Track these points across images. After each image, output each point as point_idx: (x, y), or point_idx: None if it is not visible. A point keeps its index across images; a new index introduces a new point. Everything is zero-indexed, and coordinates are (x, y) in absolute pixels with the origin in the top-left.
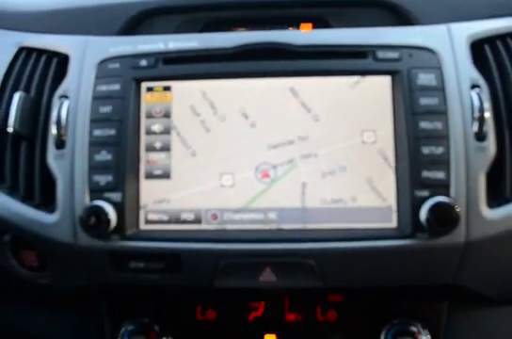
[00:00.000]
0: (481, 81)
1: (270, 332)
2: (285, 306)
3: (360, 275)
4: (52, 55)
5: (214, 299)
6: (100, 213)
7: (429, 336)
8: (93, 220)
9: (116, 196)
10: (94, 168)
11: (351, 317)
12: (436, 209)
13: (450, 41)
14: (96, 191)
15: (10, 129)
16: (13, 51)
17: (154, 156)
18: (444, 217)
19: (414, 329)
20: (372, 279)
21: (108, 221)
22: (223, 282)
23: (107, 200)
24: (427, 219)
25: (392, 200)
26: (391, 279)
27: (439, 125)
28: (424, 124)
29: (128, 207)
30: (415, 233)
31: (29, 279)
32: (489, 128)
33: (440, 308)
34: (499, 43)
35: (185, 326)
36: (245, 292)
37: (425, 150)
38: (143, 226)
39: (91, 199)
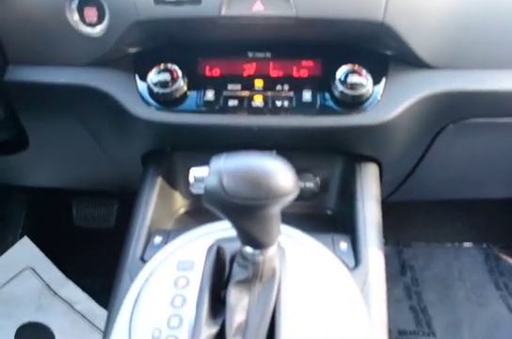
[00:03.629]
0: None
1: (259, 79)
2: (270, 66)
3: (318, 5)
4: None
5: (218, 58)
6: None
7: (371, 80)
8: None
9: None
10: None
11: (318, 75)
12: None
13: None
14: None
15: None
16: None
17: None
18: None
19: (361, 69)
20: (326, 7)
21: None
22: (228, 11)
23: None
24: None
25: None
26: (336, 10)
27: None
28: None
29: None
30: None
31: (87, 33)
32: None
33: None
34: None
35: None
36: (242, 52)
37: None
38: None
39: None
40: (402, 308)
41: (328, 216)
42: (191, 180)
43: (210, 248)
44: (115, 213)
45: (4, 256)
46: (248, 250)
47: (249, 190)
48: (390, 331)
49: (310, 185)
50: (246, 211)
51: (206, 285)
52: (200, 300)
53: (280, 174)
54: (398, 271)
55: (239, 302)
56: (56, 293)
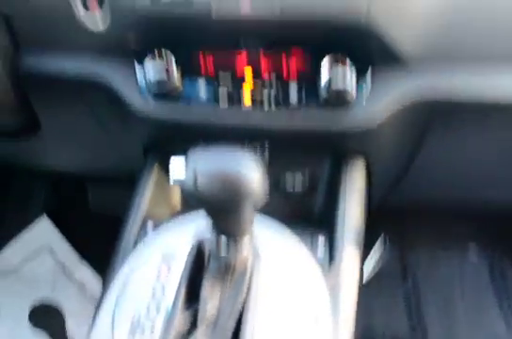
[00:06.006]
0: None
1: (248, 65)
2: (260, 57)
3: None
4: None
5: (210, 49)
6: None
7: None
8: None
9: None
10: None
11: (306, 75)
12: None
13: None
14: None
15: None
16: None
17: None
18: None
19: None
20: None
21: None
22: (218, 14)
23: None
24: None
25: None
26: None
27: None
28: None
29: None
30: None
31: (94, 22)
32: None
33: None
34: None
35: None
36: (232, 43)
37: None
38: None
39: None
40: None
41: (314, 213)
42: (171, 182)
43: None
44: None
45: (23, 233)
46: (222, 239)
47: (222, 192)
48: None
49: (297, 184)
50: (219, 207)
51: (183, 282)
52: (177, 296)
53: (251, 178)
54: (399, 279)
55: (212, 294)
56: (70, 274)
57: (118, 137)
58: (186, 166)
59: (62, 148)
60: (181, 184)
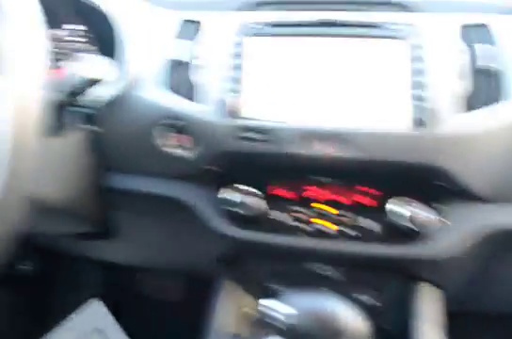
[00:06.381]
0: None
1: (322, 203)
2: (334, 191)
3: (380, 151)
4: None
5: (287, 182)
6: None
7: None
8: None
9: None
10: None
11: (377, 204)
12: (420, 109)
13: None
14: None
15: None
16: None
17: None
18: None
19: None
20: (386, 153)
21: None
22: (293, 150)
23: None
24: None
25: (407, 110)
26: (395, 155)
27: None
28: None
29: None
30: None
31: (180, 155)
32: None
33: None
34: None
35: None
36: (306, 177)
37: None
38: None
39: None
40: None
41: (387, 331)
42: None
43: None
44: (182, 286)
45: (75, 316)
46: None
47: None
48: None
49: (370, 300)
50: None
51: None
52: None
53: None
54: None
55: None
56: None
57: (191, 246)
58: (280, 309)
59: (130, 248)
60: (277, 326)
